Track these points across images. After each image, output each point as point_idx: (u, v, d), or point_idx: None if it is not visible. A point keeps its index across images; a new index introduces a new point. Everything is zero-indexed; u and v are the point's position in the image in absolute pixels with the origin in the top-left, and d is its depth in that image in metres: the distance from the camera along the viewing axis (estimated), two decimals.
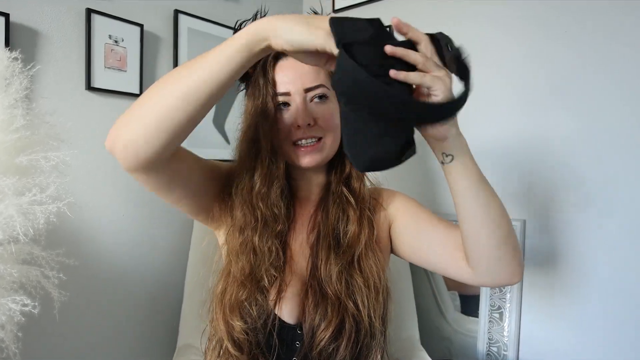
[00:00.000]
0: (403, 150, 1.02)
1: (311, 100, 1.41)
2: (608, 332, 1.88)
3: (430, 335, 2.36)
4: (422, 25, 2.25)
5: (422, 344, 2.22)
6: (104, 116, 2.04)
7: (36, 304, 1.24)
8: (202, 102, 1.10)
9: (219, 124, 2.51)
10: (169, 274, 2.27)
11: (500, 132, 2.15)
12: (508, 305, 2.10)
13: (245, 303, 1.34)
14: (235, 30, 1.31)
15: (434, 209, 2.32)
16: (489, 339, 2.14)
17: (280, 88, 1.40)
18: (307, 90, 1.40)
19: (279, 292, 1.37)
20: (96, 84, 2.00)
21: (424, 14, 2.43)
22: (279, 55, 1.41)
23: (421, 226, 1.47)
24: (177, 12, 2.30)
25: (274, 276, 1.38)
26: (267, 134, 1.39)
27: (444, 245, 1.39)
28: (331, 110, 1.42)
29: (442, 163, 1.22)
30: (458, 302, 2.32)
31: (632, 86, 1.81)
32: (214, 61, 1.07)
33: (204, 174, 1.48)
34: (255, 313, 1.33)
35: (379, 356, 1.42)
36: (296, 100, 1.39)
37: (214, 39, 2.45)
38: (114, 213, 2.08)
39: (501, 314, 2.12)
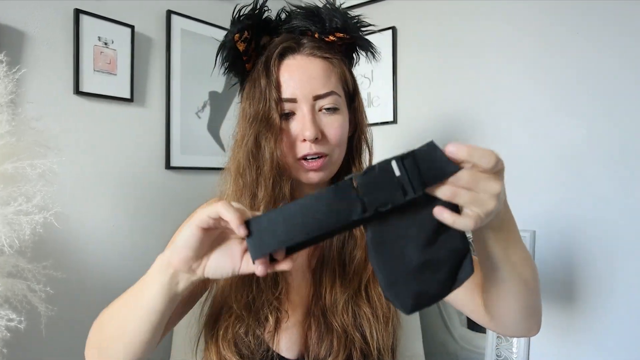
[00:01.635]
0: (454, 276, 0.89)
1: (319, 110, 1.30)
2: (627, 349, 1.87)
3: (436, 352, 2.36)
4: (430, 25, 2.26)
5: None
6: (93, 122, 2.04)
7: (22, 318, 1.24)
8: (153, 333, 1.09)
9: (214, 130, 2.51)
10: None
11: (509, 136, 2.14)
12: None
13: (243, 337, 1.29)
14: (235, 20, 1.31)
15: None
16: (497, 355, 2.13)
17: (286, 92, 1.28)
18: (317, 97, 1.28)
19: (277, 324, 1.32)
20: (85, 88, 1.99)
21: (429, 13, 2.43)
22: (285, 52, 1.30)
23: None
24: (169, 13, 2.31)
25: (276, 307, 1.32)
26: (272, 149, 1.27)
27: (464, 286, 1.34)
28: (340, 123, 1.32)
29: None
30: (464, 317, 2.31)
31: None
32: (140, 314, 1.06)
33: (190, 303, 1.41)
34: (253, 346, 1.29)
35: None
36: (303, 109, 1.28)
37: (208, 40, 2.44)
38: (103, 223, 2.08)
39: None
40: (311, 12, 1.33)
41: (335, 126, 1.30)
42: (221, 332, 1.31)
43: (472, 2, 2.26)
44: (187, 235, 0.94)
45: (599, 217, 1.91)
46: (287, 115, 1.30)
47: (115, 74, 2.09)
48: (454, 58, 2.34)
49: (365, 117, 1.45)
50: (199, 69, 2.42)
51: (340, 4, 1.40)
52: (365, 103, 2.52)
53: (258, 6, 1.32)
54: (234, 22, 1.32)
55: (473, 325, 2.27)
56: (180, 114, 2.36)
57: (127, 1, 2.15)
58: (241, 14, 1.31)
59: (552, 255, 2.03)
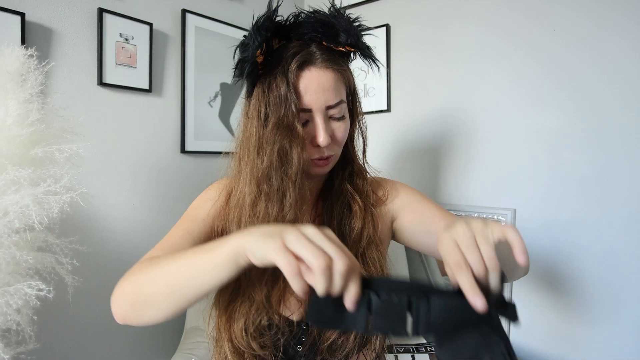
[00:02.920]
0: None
1: (330, 117, 1.28)
2: (597, 317, 1.88)
3: None
4: (420, 24, 2.25)
5: None
6: (115, 110, 2.04)
7: (51, 288, 1.25)
8: (197, 295, 1.06)
9: (225, 118, 2.51)
10: None
11: (492, 125, 2.14)
12: None
13: (255, 314, 1.29)
14: (255, 31, 1.23)
15: (434, 197, 2.33)
16: None
17: (302, 103, 1.24)
18: (328, 107, 1.26)
19: (283, 291, 1.32)
20: (107, 79, 2.00)
21: (420, 13, 2.42)
22: (303, 64, 1.24)
23: (431, 227, 1.39)
24: (184, 12, 2.30)
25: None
26: (299, 155, 1.23)
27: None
28: (346, 126, 1.32)
29: None
30: (451, 287, 2.31)
31: (623, 79, 1.81)
32: (202, 271, 1.02)
33: None
34: (265, 322, 1.29)
35: (379, 345, 1.39)
36: (317, 119, 1.26)
37: (220, 37, 2.44)
38: (124, 202, 2.08)
39: None
40: (322, 22, 1.28)
41: (342, 130, 1.31)
42: (233, 311, 1.32)
43: (458, 4, 2.26)
44: (265, 256, 0.89)
45: (574, 195, 1.92)
46: (304, 122, 1.27)
47: (135, 67, 2.09)
48: (442, 54, 2.33)
49: (360, 108, 1.43)
50: (211, 62, 2.42)
51: (344, 8, 1.34)
52: (361, 93, 2.52)
53: (273, 15, 1.28)
54: (254, 34, 1.24)
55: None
56: (194, 103, 2.36)
57: (146, 1, 2.14)
58: (259, 24, 1.25)
59: (531, 231, 2.04)
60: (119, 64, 2.03)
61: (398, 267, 2.26)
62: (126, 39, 2.05)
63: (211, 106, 2.44)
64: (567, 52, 1.93)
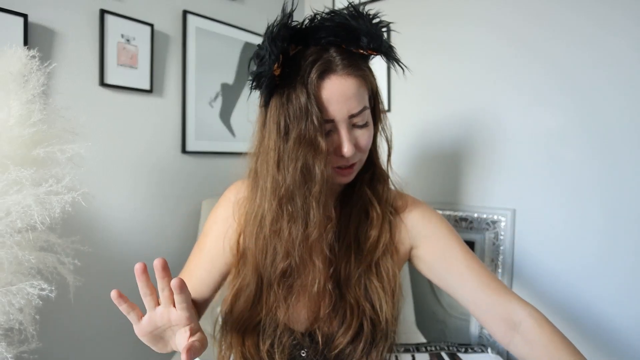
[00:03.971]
0: None
1: (353, 125, 1.22)
2: (593, 314, 1.89)
3: (426, 319, 2.37)
4: (420, 24, 2.26)
5: (418, 326, 2.22)
6: (116, 111, 2.05)
7: (52, 288, 1.25)
8: None
9: (225, 118, 2.52)
10: (178, 258, 2.27)
11: (491, 125, 2.15)
12: None
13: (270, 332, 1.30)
14: (271, 41, 1.12)
15: (433, 197, 2.33)
16: None
17: (326, 115, 1.18)
18: (352, 116, 1.19)
19: (288, 300, 1.30)
20: (109, 80, 2.00)
21: (420, 13, 2.43)
22: (324, 72, 1.17)
23: (451, 268, 1.37)
24: (185, 13, 2.31)
25: (285, 295, 1.29)
26: (322, 170, 1.17)
27: (484, 312, 1.32)
28: (369, 134, 1.26)
29: None
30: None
31: (623, 79, 1.82)
32: None
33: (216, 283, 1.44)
34: (270, 330, 1.30)
35: (385, 350, 1.35)
36: (341, 129, 1.20)
37: (221, 37, 2.45)
38: (125, 202, 2.09)
39: None
40: (342, 25, 1.19)
41: (366, 137, 1.24)
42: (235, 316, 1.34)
43: (458, 4, 2.26)
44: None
45: (573, 195, 1.92)
46: (326, 133, 1.20)
47: (137, 68, 2.09)
48: (442, 54, 2.34)
49: (383, 109, 1.36)
50: (212, 63, 2.42)
51: (363, 4, 1.26)
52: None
53: (286, 19, 1.16)
54: (270, 46, 1.13)
55: None
56: (195, 103, 2.36)
57: (147, 2, 2.15)
58: (274, 34, 1.13)
59: (530, 232, 2.04)
60: (120, 65, 2.03)
61: (404, 281, 2.26)
62: (127, 40, 2.05)
63: (212, 106, 2.45)
64: (567, 53, 1.93)
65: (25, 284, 1.23)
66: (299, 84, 1.15)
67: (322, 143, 1.15)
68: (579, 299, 1.92)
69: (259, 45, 1.17)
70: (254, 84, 1.19)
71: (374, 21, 1.22)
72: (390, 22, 1.28)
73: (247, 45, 2.62)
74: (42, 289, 1.23)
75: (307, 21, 1.20)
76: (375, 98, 1.31)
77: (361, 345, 1.29)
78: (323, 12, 1.20)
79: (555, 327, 1.22)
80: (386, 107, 2.53)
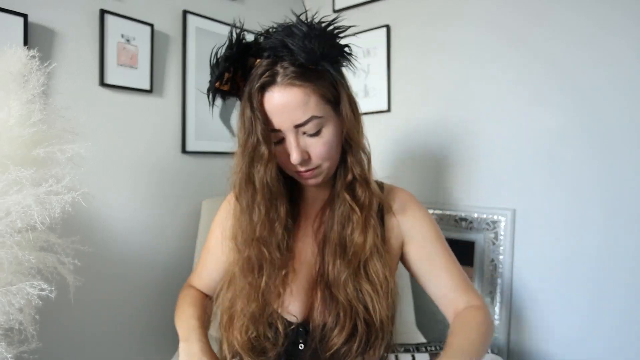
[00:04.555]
0: None
1: (303, 134, 1.26)
2: (594, 313, 1.89)
3: (426, 319, 2.37)
4: (421, 24, 2.26)
5: (418, 326, 2.23)
6: (116, 111, 2.05)
7: (52, 288, 1.25)
8: None
9: (226, 118, 2.52)
10: (178, 258, 2.28)
11: (492, 125, 2.15)
12: (499, 290, 2.11)
13: (257, 315, 1.32)
14: (213, 66, 1.31)
15: (434, 198, 2.33)
16: None
17: (272, 124, 1.25)
18: (297, 126, 1.23)
19: (283, 291, 1.35)
20: (109, 80, 2.00)
21: (420, 13, 2.43)
22: (265, 85, 1.23)
23: (432, 273, 1.47)
24: (185, 13, 2.31)
25: (282, 278, 1.35)
26: (261, 177, 1.28)
27: (440, 298, 1.47)
28: (324, 141, 1.27)
29: None
30: None
31: (623, 79, 1.82)
32: None
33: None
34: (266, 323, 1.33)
35: (382, 349, 1.38)
36: (288, 137, 1.26)
37: (221, 37, 2.42)
38: (125, 202, 2.09)
39: (493, 298, 2.13)
40: (281, 43, 1.21)
41: (319, 145, 1.27)
42: (234, 310, 1.37)
43: (458, 4, 2.26)
44: None
45: (574, 196, 1.93)
46: (279, 140, 1.28)
47: (137, 68, 2.09)
48: (443, 54, 2.34)
49: (353, 115, 1.33)
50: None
51: (313, 16, 1.25)
52: (362, 94, 2.51)
53: (233, 44, 1.30)
54: (212, 68, 1.31)
55: None
56: (195, 103, 2.36)
57: (147, 2, 2.15)
58: (218, 56, 1.29)
59: (531, 232, 2.05)
60: (120, 65, 2.04)
61: (398, 271, 2.26)
62: (127, 40, 2.05)
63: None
64: (567, 53, 1.93)
65: (25, 284, 1.23)
66: (246, 98, 1.25)
67: (265, 151, 1.26)
68: (579, 298, 1.92)
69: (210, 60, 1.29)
70: (208, 99, 1.33)
71: (329, 30, 1.24)
72: (348, 27, 1.28)
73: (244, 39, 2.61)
74: (42, 289, 1.23)
75: (261, 36, 1.28)
76: (337, 105, 1.31)
77: (356, 345, 1.30)
78: (271, 28, 1.27)
79: (478, 318, 1.35)
80: (386, 108, 2.53)
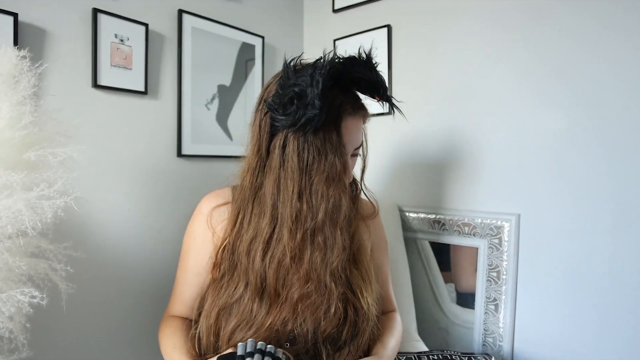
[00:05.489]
0: None
1: (352, 155, 1.45)
2: (601, 321, 1.88)
3: (428, 327, 2.37)
4: (422, 24, 2.26)
5: (420, 334, 2.22)
6: (109, 113, 2.04)
7: (44, 295, 1.25)
8: None
9: (222, 121, 2.51)
10: (173, 264, 2.26)
11: (495, 127, 2.15)
12: (503, 297, 2.10)
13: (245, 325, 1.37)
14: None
15: (436, 202, 2.33)
16: (484, 329, 2.14)
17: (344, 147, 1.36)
18: (356, 148, 1.45)
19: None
20: (102, 81, 1.99)
21: (422, 12, 2.43)
22: (349, 114, 1.37)
23: (379, 277, 1.70)
24: (181, 12, 2.30)
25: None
26: (346, 205, 1.35)
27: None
28: (355, 162, 1.50)
29: None
30: (454, 294, 2.32)
31: (630, 80, 1.81)
32: None
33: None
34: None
35: (367, 333, 1.46)
36: (348, 162, 1.40)
37: (218, 38, 2.45)
38: (119, 207, 2.08)
39: (497, 305, 2.12)
40: (366, 78, 1.36)
41: (353, 165, 1.49)
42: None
43: (462, 2, 2.26)
44: None
45: (580, 200, 1.92)
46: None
47: (131, 69, 2.09)
48: (445, 54, 2.34)
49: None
50: (208, 64, 2.42)
51: (375, 60, 1.39)
52: (362, 95, 2.54)
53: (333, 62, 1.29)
54: (315, 88, 1.23)
55: (462, 302, 2.28)
56: (191, 105, 2.36)
57: (141, 1, 2.14)
58: (320, 74, 1.23)
59: (536, 237, 2.04)
60: (114, 66, 2.03)
61: (399, 272, 2.26)
62: (121, 40, 2.05)
63: (208, 109, 2.44)
64: (573, 53, 1.93)
65: (15, 291, 1.22)
66: (330, 123, 1.31)
67: (345, 179, 1.34)
68: (587, 306, 1.92)
69: (290, 78, 1.27)
70: (299, 125, 1.26)
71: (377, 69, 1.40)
72: (377, 64, 1.42)
73: (244, 45, 2.61)
74: (33, 297, 1.23)
75: (337, 61, 1.30)
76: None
77: (346, 329, 1.38)
78: (341, 57, 1.32)
79: (400, 323, 1.72)
80: (387, 111, 2.52)
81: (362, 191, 1.63)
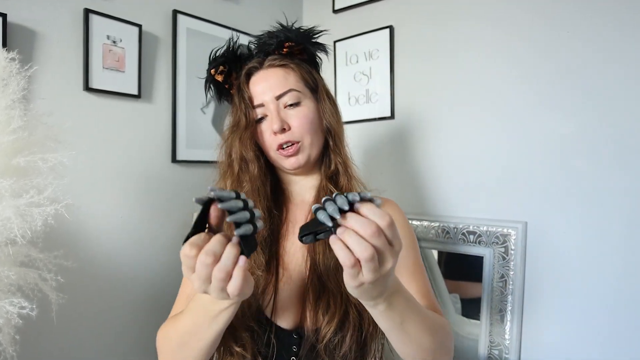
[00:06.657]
0: None
1: (285, 107, 1.51)
2: (612, 333, 1.88)
3: None
4: (426, 25, 2.25)
5: None
6: (102, 117, 2.04)
7: (34, 306, 1.24)
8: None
9: (218, 125, 2.51)
10: (168, 272, 2.27)
11: (501, 132, 2.14)
12: (510, 307, 2.10)
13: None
14: (211, 60, 1.63)
15: (440, 210, 2.33)
16: (490, 341, 2.14)
17: (256, 101, 1.52)
18: (278, 97, 1.50)
19: (275, 298, 1.41)
20: (94, 84, 1.99)
21: (423, 13, 2.43)
22: (250, 71, 1.56)
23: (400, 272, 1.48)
24: (175, 12, 2.30)
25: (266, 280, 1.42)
26: (237, 148, 1.53)
27: None
28: (304, 113, 1.52)
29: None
30: (459, 305, 2.31)
31: (634, 85, 1.81)
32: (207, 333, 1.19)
33: None
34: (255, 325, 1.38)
35: (382, 344, 1.46)
36: (270, 109, 1.50)
37: (213, 39, 2.45)
38: (112, 214, 2.08)
39: (502, 316, 2.11)
40: (268, 36, 1.58)
41: (300, 116, 1.50)
42: None
43: (465, 3, 2.26)
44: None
45: (588, 207, 1.91)
46: (261, 119, 1.53)
47: (124, 71, 2.09)
48: (448, 56, 2.33)
49: (331, 105, 1.62)
50: (204, 66, 2.40)
51: (293, 23, 1.62)
52: (363, 99, 2.52)
53: (231, 46, 1.61)
54: (210, 61, 1.62)
55: (468, 313, 2.27)
56: (186, 109, 2.36)
57: (135, 1, 2.15)
58: (217, 54, 1.61)
59: (543, 245, 2.03)
60: (106, 68, 2.03)
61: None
62: (114, 42, 2.05)
63: (204, 112, 2.44)
64: (580, 55, 1.93)
65: (4, 301, 1.22)
66: (237, 88, 1.59)
67: (243, 121, 1.51)
68: (597, 317, 1.91)
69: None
70: (206, 89, 1.69)
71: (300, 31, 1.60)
72: (322, 31, 1.66)
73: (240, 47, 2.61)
74: (22, 307, 1.23)
75: (251, 45, 1.63)
76: (315, 91, 1.60)
77: (349, 333, 1.37)
78: (254, 39, 1.64)
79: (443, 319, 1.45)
80: (389, 114, 2.52)
81: (349, 172, 1.61)
